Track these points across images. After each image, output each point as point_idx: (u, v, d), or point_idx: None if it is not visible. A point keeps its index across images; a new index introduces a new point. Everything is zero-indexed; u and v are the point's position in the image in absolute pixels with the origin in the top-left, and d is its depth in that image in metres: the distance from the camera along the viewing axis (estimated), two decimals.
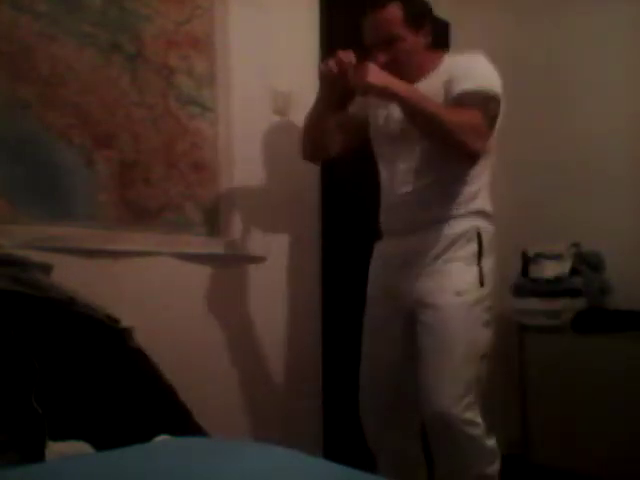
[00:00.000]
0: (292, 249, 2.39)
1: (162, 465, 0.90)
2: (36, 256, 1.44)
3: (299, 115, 2.40)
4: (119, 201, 1.85)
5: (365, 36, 1.81)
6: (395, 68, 1.73)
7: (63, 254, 1.66)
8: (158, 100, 1.95)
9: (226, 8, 2.13)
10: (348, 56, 1.73)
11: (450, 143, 1.68)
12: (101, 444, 1.11)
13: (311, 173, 2.47)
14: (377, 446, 1.97)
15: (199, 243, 2.06)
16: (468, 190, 1.80)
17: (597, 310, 2.72)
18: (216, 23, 2.11)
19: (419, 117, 1.69)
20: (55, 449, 1.09)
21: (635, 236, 2.75)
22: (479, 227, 1.80)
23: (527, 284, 2.77)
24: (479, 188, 1.82)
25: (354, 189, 2.54)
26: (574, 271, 2.76)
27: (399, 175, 1.86)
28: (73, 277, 1.46)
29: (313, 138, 1.98)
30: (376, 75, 1.65)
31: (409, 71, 1.78)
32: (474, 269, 1.78)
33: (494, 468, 1.79)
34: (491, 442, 1.79)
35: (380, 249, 1.97)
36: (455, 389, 1.73)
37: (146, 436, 1.14)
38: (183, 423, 1.35)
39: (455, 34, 3.09)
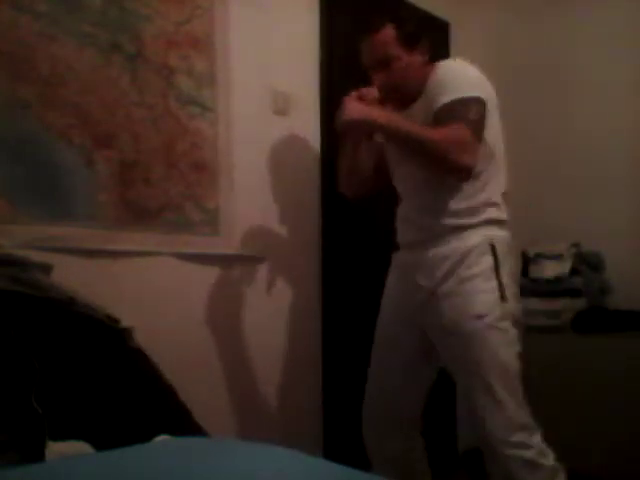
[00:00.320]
0: (292, 249, 2.39)
1: (162, 465, 0.90)
2: (36, 256, 1.44)
3: (299, 115, 2.41)
4: (119, 201, 1.85)
5: (363, 60, 1.82)
6: (393, 88, 1.75)
7: (63, 254, 1.66)
8: (158, 100, 1.95)
9: (226, 8, 2.13)
10: (371, 92, 1.75)
11: (437, 162, 1.66)
12: (101, 444, 1.11)
13: (311, 173, 2.47)
14: (377, 457, 1.95)
15: (199, 243, 2.06)
16: (475, 200, 1.76)
17: (597, 310, 2.72)
18: (216, 23, 2.11)
19: (402, 142, 1.71)
20: (55, 449, 1.09)
21: (635, 236, 2.75)
22: (492, 238, 1.75)
23: (527, 284, 2.78)
24: (489, 197, 1.77)
25: None
26: (574, 271, 2.76)
27: (408, 189, 1.88)
28: (73, 277, 1.47)
29: (348, 170, 1.98)
30: (352, 110, 1.66)
31: (407, 89, 1.79)
32: (493, 284, 1.71)
33: None
34: (547, 460, 1.71)
35: (396, 260, 1.95)
36: (499, 415, 1.69)
37: (146, 436, 1.14)
38: (183, 423, 1.35)
39: (455, 34, 3.09)
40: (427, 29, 1.88)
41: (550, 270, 2.78)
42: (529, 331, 2.51)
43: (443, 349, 1.80)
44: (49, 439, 1.11)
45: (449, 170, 1.67)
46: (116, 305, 1.44)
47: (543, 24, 3.07)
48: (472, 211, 1.76)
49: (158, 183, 1.94)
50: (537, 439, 1.71)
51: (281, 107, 2.34)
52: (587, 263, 2.79)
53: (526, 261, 2.85)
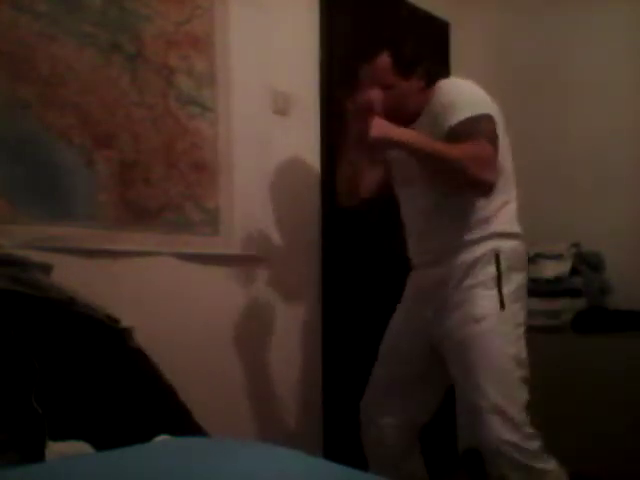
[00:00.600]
0: (292, 249, 2.39)
1: (162, 465, 0.90)
2: (36, 256, 1.44)
3: (299, 115, 2.41)
4: (119, 201, 1.85)
5: (362, 81, 1.83)
6: (392, 112, 1.76)
7: (63, 254, 1.66)
8: (158, 100, 1.95)
9: (226, 8, 2.13)
10: (377, 94, 1.76)
11: (461, 178, 1.67)
12: (101, 444, 1.11)
13: (311, 173, 2.47)
14: (374, 458, 1.95)
15: (199, 243, 2.06)
16: (483, 215, 1.79)
17: (597, 310, 2.72)
18: (216, 23, 2.11)
19: (425, 159, 1.71)
20: (55, 449, 1.09)
21: (635, 236, 2.76)
22: (498, 249, 1.77)
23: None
24: (496, 209, 1.80)
25: None
26: (574, 271, 2.77)
27: (417, 209, 1.89)
28: (73, 277, 1.47)
29: (347, 180, 1.99)
30: (379, 128, 1.66)
31: (405, 114, 1.81)
32: (493, 293, 1.75)
33: None
34: (546, 465, 1.71)
35: (411, 280, 1.97)
36: (492, 418, 1.68)
37: (146, 436, 1.14)
38: (183, 423, 1.35)
39: (455, 34, 3.09)
40: (424, 55, 1.88)
41: (550, 270, 2.78)
42: (529, 331, 2.50)
43: (446, 355, 1.82)
44: (49, 439, 1.10)
45: (473, 186, 1.68)
46: (116, 305, 1.44)
47: (543, 24, 3.07)
48: (481, 225, 1.78)
49: (158, 183, 1.94)
50: (534, 444, 1.71)
51: (281, 107, 2.34)
52: (587, 263, 2.79)
53: None
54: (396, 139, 1.67)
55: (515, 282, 1.78)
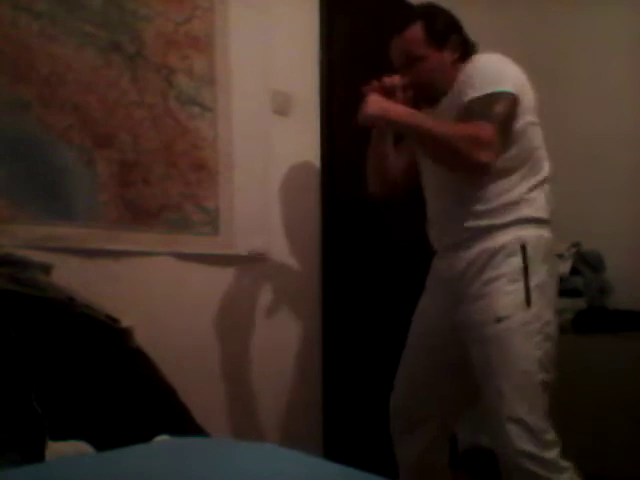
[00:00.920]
0: (292, 249, 2.39)
1: (162, 465, 0.90)
2: (36, 256, 1.44)
3: (299, 115, 2.41)
4: (119, 201, 1.85)
5: (392, 59, 1.79)
6: (419, 88, 1.72)
7: (63, 254, 1.66)
8: (158, 100, 1.95)
9: (226, 8, 2.13)
10: (393, 80, 1.73)
11: (453, 157, 1.60)
12: (101, 444, 1.11)
13: (311, 173, 2.47)
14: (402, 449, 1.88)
15: (199, 243, 2.06)
16: (506, 199, 1.67)
17: (597, 310, 2.72)
18: (216, 23, 2.11)
19: (417, 139, 1.68)
20: (55, 449, 1.09)
21: (635, 236, 2.75)
22: (523, 238, 1.65)
23: None
24: (521, 194, 1.68)
25: (354, 189, 2.54)
26: (574, 271, 2.76)
27: (434, 191, 1.83)
28: (73, 277, 1.47)
29: (375, 170, 1.95)
30: (373, 105, 1.63)
31: (436, 88, 1.74)
32: (519, 287, 1.62)
33: None
34: (562, 476, 1.61)
35: (433, 265, 1.87)
36: (511, 429, 1.59)
37: (146, 436, 1.14)
38: (183, 423, 1.35)
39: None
40: (458, 25, 1.83)
41: None
42: None
43: (470, 348, 1.71)
44: (49, 439, 1.11)
45: (464, 167, 1.63)
46: (116, 305, 1.44)
47: (544, 24, 3.07)
48: (503, 210, 1.67)
49: (158, 183, 1.94)
50: (551, 453, 1.61)
51: (281, 107, 2.34)
52: (587, 263, 2.79)
53: None
54: (387, 117, 1.64)
55: (542, 275, 1.65)
